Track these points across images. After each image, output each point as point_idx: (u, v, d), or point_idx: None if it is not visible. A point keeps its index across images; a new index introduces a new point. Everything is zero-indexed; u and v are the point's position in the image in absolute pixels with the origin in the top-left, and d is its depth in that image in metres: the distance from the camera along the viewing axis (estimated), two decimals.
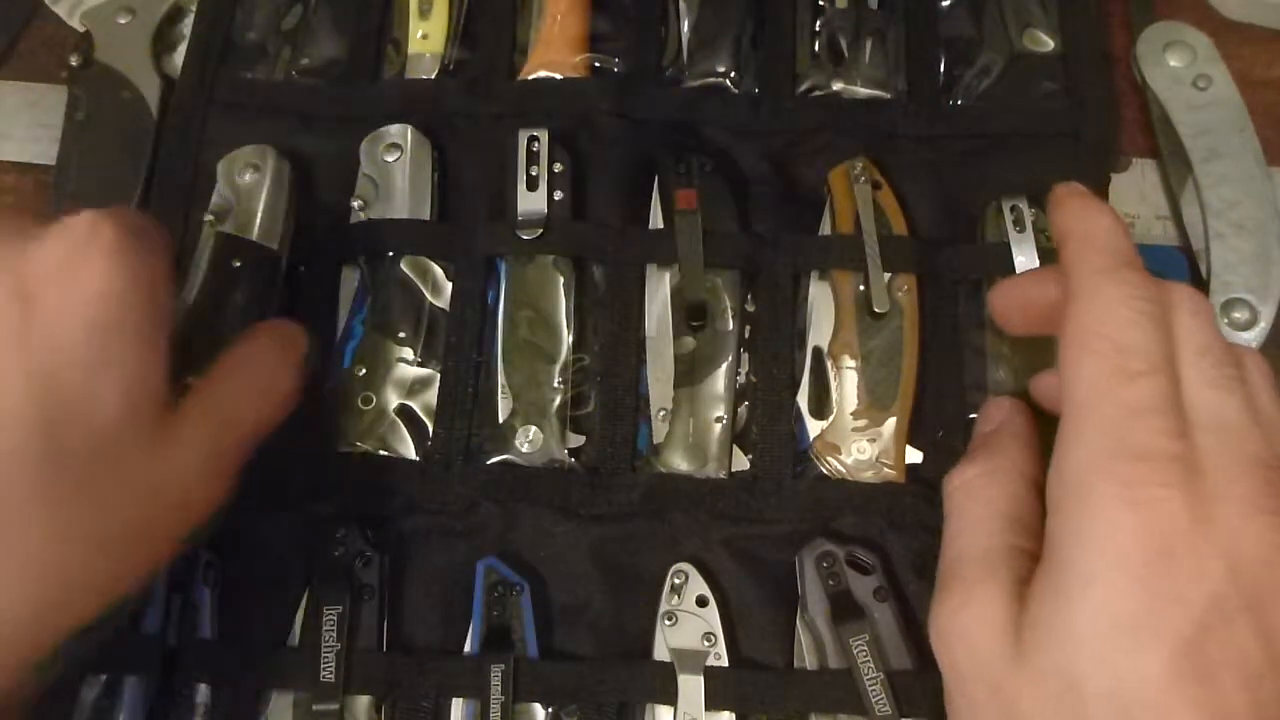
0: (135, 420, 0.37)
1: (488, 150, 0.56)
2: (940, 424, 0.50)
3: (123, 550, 0.37)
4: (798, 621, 0.47)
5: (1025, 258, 0.51)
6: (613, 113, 0.56)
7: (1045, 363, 0.50)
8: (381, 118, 0.56)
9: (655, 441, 0.50)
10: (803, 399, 0.51)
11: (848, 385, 0.50)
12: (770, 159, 0.56)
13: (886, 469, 0.49)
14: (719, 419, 0.50)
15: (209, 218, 0.53)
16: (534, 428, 0.50)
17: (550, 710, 0.47)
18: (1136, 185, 0.57)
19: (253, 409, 0.43)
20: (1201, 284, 0.54)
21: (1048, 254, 0.52)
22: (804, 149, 0.56)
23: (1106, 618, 0.31)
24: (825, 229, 0.54)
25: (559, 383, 0.51)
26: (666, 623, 0.47)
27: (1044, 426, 0.44)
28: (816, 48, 0.58)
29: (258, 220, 0.52)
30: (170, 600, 0.47)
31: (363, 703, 0.46)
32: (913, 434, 0.50)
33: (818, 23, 0.59)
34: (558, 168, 0.54)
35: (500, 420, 0.50)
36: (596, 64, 0.59)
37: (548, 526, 0.50)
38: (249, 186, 0.53)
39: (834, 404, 0.50)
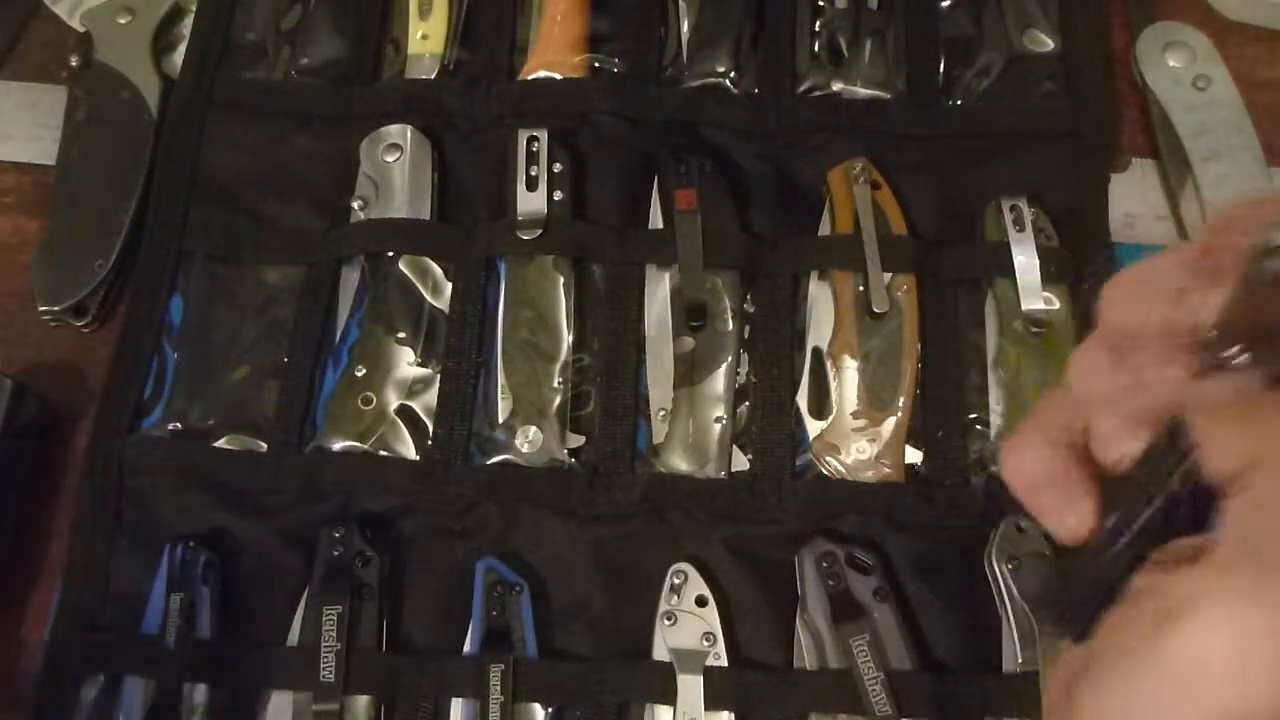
0: None
1: (488, 150, 0.56)
2: (940, 424, 0.50)
3: None
4: (798, 621, 0.47)
5: (1025, 257, 0.52)
6: (613, 113, 0.56)
7: (1046, 363, 0.50)
8: (381, 118, 0.56)
9: (655, 441, 0.50)
10: (802, 399, 0.51)
11: (847, 385, 0.50)
12: (770, 159, 0.56)
13: (886, 469, 0.49)
14: (719, 419, 0.50)
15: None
16: (534, 428, 0.50)
17: (550, 710, 0.47)
18: (1136, 185, 0.57)
19: None
20: None
21: (1047, 253, 0.52)
22: (804, 149, 0.56)
23: None
24: (825, 229, 0.54)
25: (559, 383, 0.51)
26: (666, 623, 0.47)
27: None
28: (816, 48, 0.58)
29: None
30: (170, 600, 0.47)
31: (363, 703, 0.46)
32: (913, 434, 0.50)
33: (818, 23, 0.58)
34: (557, 168, 0.54)
35: (500, 420, 0.50)
36: (596, 64, 0.59)
37: (548, 526, 0.50)
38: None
39: (834, 404, 0.50)
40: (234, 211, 0.56)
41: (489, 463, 0.50)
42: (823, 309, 0.52)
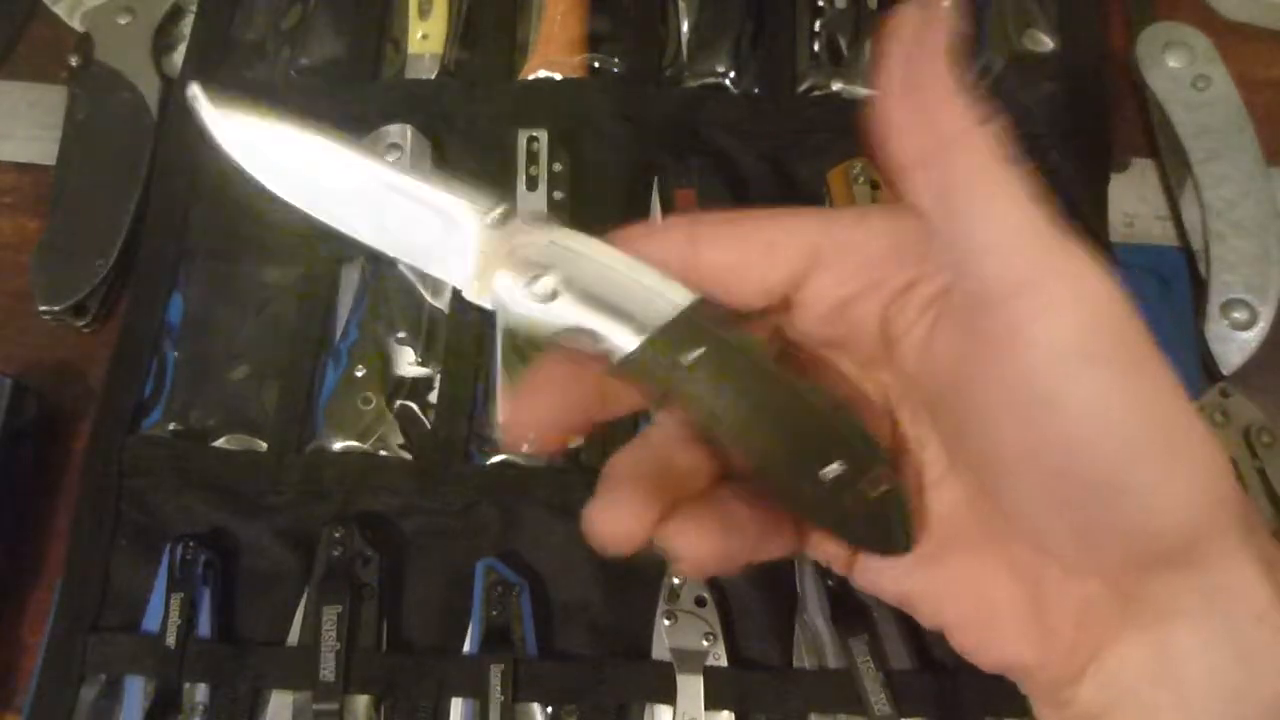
0: None
1: (488, 150, 0.56)
2: None
3: None
4: (797, 621, 0.47)
5: None
6: (613, 113, 0.56)
7: None
8: (381, 118, 0.56)
9: None
10: None
11: None
12: (769, 159, 0.56)
13: None
14: None
15: None
16: None
17: (550, 710, 0.47)
18: (1136, 185, 0.57)
19: None
20: (1201, 284, 0.54)
21: None
22: (803, 149, 0.56)
23: None
24: None
25: None
26: (666, 623, 0.47)
27: None
28: (816, 48, 0.58)
29: None
30: (170, 600, 0.47)
31: (363, 703, 0.46)
32: None
33: (818, 23, 0.59)
34: (557, 168, 0.54)
35: (500, 421, 0.50)
36: (596, 64, 0.59)
37: (548, 526, 0.50)
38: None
39: None
40: (234, 212, 0.56)
41: (489, 463, 0.50)
42: None
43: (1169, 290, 0.55)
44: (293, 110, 0.59)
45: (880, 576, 0.29)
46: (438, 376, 0.52)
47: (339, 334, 0.53)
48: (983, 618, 0.28)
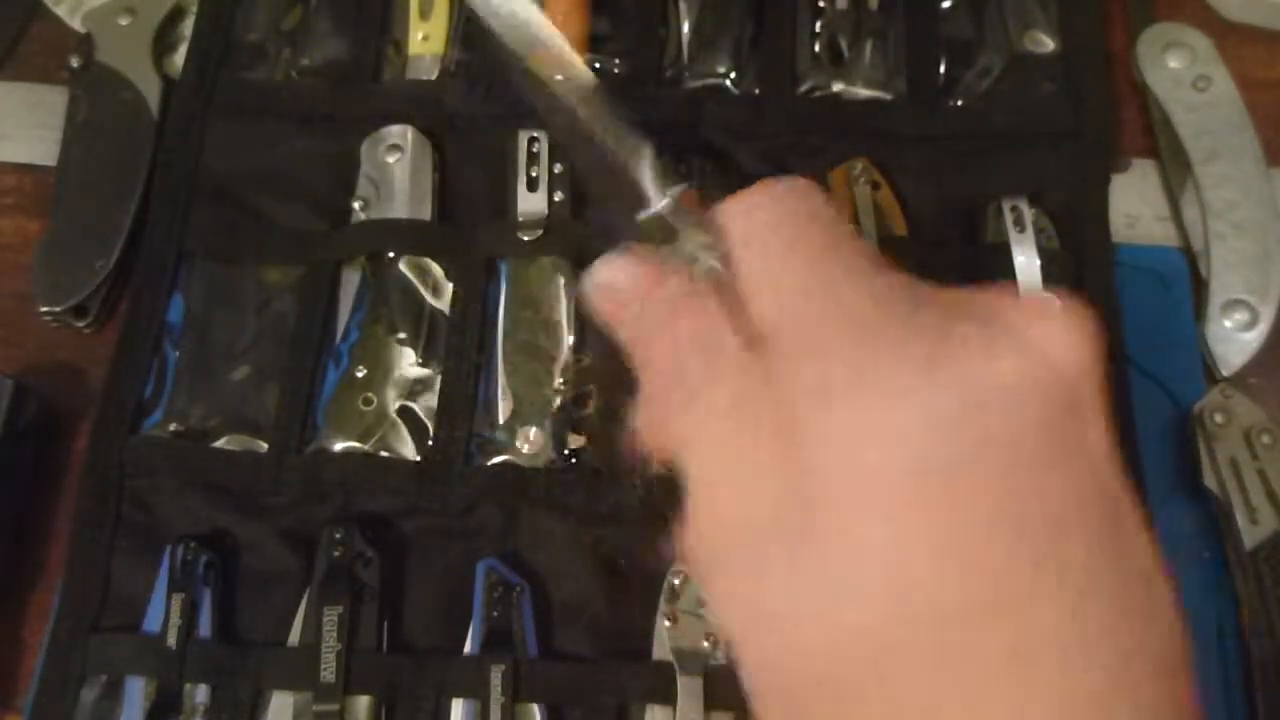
0: None
1: (488, 151, 0.56)
2: None
3: None
4: None
5: (1025, 257, 0.52)
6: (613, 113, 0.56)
7: None
8: (382, 118, 0.56)
9: None
10: None
11: None
12: (770, 159, 0.56)
13: None
14: None
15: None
16: (534, 428, 0.50)
17: (550, 710, 0.47)
18: (1136, 185, 0.57)
19: None
20: (1202, 284, 0.54)
21: (1048, 254, 0.52)
22: (804, 149, 0.56)
23: None
24: None
25: (560, 383, 0.51)
26: (666, 623, 0.47)
27: None
28: (816, 48, 0.58)
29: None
30: (171, 600, 0.47)
31: (363, 703, 0.46)
32: None
33: (818, 24, 0.59)
34: (558, 169, 0.54)
35: (501, 421, 0.50)
36: (597, 64, 0.59)
37: (548, 527, 0.50)
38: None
39: None
40: (234, 212, 0.56)
41: (489, 463, 0.50)
42: None
43: (1169, 291, 0.55)
44: (293, 111, 0.60)
45: None
46: (438, 376, 0.52)
47: (339, 334, 0.53)
48: None
